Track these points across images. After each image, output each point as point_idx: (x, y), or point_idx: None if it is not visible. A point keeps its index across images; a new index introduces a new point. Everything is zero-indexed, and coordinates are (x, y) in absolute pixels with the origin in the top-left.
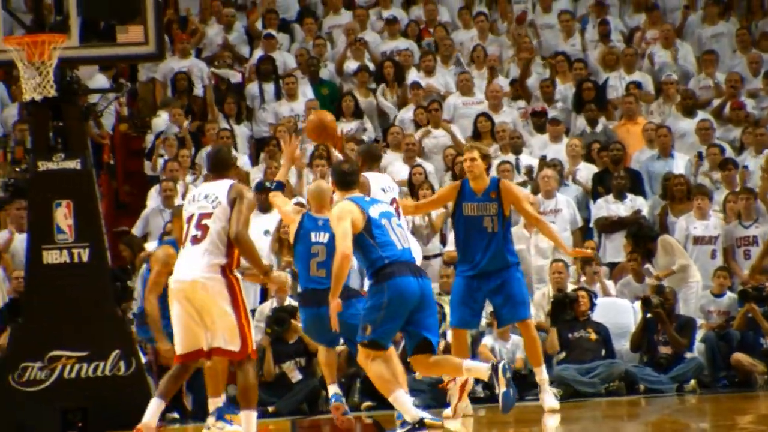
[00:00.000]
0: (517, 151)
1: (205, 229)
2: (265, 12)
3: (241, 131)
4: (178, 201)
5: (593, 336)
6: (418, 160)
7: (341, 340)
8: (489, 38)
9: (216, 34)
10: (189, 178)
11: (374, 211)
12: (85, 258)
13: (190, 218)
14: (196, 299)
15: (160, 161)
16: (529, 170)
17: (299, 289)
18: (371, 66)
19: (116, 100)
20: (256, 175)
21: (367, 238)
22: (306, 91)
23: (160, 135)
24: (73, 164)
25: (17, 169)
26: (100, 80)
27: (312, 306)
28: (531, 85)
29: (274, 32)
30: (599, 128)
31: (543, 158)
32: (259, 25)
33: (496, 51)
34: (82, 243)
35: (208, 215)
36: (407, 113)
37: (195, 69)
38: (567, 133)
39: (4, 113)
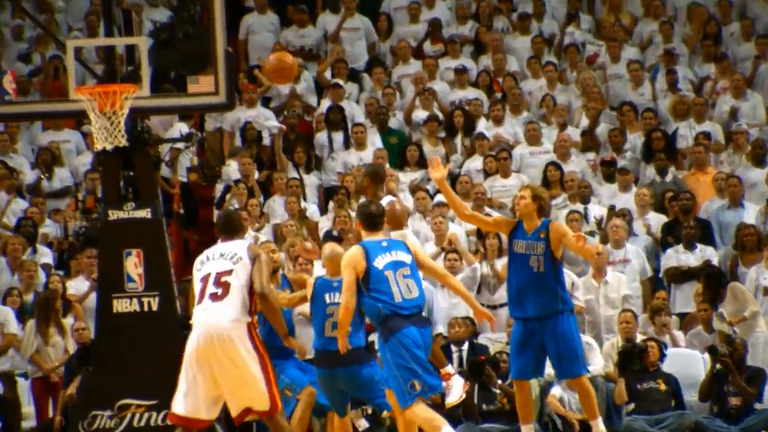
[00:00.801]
0: (586, 201)
1: (225, 286)
2: (335, 62)
3: (310, 180)
4: None
5: (663, 387)
6: (486, 209)
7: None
8: (558, 88)
9: (284, 85)
10: (257, 227)
11: (380, 261)
12: (154, 307)
13: (205, 277)
14: (220, 357)
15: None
16: (599, 220)
17: (314, 349)
18: (440, 115)
19: (186, 150)
20: (325, 224)
21: (363, 287)
22: (375, 141)
23: (230, 184)
24: (144, 213)
25: (88, 218)
26: (180, 128)
27: (326, 366)
28: (600, 134)
29: (342, 82)
30: (669, 178)
31: (612, 208)
32: (327, 74)
33: (564, 101)
34: (151, 292)
35: (228, 272)
36: (474, 162)
37: (262, 118)
38: (636, 183)
39: (75, 162)
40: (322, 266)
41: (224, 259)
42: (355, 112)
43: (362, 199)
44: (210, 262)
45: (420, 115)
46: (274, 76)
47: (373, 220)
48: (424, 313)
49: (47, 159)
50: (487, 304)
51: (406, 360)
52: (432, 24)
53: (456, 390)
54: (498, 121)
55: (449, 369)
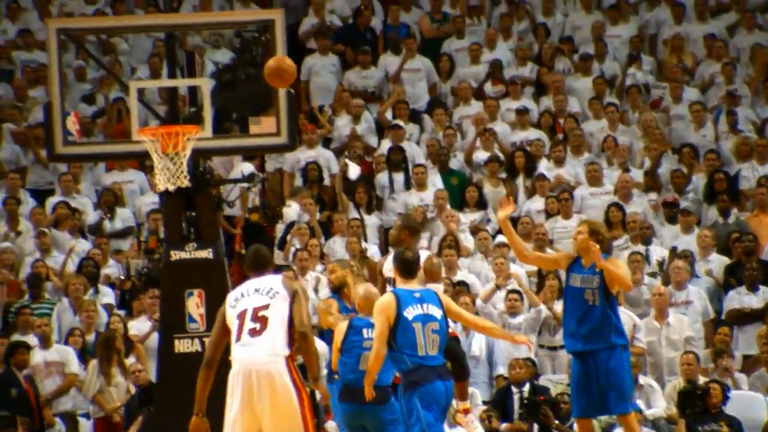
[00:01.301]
0: (648, 242)
1: (263, 320)
2: (396, 102)
3: (371, 221)
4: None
5: (725, 429)
6: (549, 250)
7: None
8: (619, 129)
9: (345, 125)
10: (319, 267)
11: (411, 311)
12: None
13: (242, 314)
14: (259, 392)
15: (291, 250)
16: (660, 262)
17: (343, 384)
18: (501, 156)
19: (248, 190)
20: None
21: (390, 337)
22: (435, 181)
23: (291, 225)
24: (205, 254)
25: (150, 259)
26: (243, 169)
27: (353, 402)
28: (662, 175)
29: (403, 122)
30: (731, 219)
31: (674, 249)
32: (388, 115)
33: (626, 141)
34: None
35: (265, 307)
36: (535, 203)
37: (322, 159)
38: (698, 224)
39: (138, 202)
40: (357, 306)
41: (260, 294)
42: (416, 152)
43: None
44: (245, 298)
45: (481, 155)
46: (272, 79)
47: (408, 267)
48: (484, 355)
49: (109, 200)
50: (548, 346)
51: (418, 418)
52: (493, 65)
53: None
54: (559, 161)
55: (467, 404)
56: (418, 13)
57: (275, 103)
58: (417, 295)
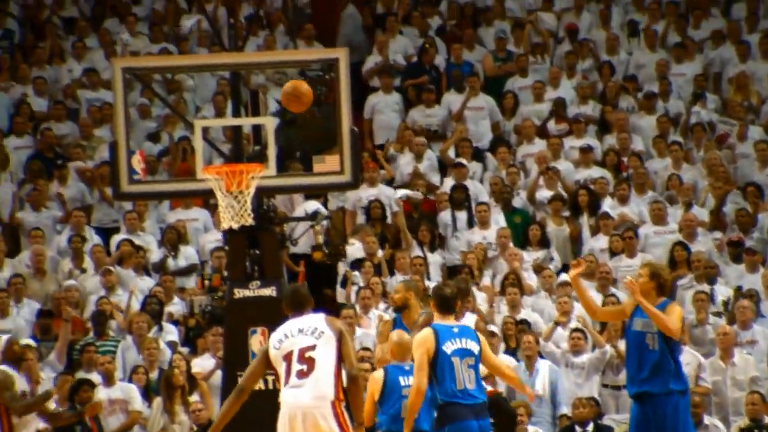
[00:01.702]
0: (713, 281)
1: (310, 361)
2: (459, 141)
3: (434, 259)
4: (360, 331)
5: None
6: (612, 289)
7: None
8: (683, 167)
9: (407, 163)
10: (381, 306)
11: (449, 346)
12: (279, 385)
13: (288, 355)
14: None
15: (353, 289)
16: (725, 301)
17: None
18: (564, 194)
19: (312, 228)
20: None
21: (429, 371)
22: (498, 219)
23: (355, 262)
24: (269, 292)
25: (214, 297)
26: (306, 207)
27: None
28: (727, 214)
29: (465, 161)
30: None
31: (739, 289)
32: (451, 153)
33: (690, 180)
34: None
35: (311, 347)
36: (599, 242)
37: (384, 197)
38: (764, 264)
39: (202, 240)
40: (390, 353)
41: (304, 335)
42: (479, 190)
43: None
44: (289, 339)
45: (544, 194)
46: (290, 103)
47: (447, 303)
48: (547, 394)
49: (173, 237)
50: (611, 385)
51: None
52: (556, 103)
53: None
54: (623, 200)
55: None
56: (481, 51)
57: (339, 142)
58: (455, 330)
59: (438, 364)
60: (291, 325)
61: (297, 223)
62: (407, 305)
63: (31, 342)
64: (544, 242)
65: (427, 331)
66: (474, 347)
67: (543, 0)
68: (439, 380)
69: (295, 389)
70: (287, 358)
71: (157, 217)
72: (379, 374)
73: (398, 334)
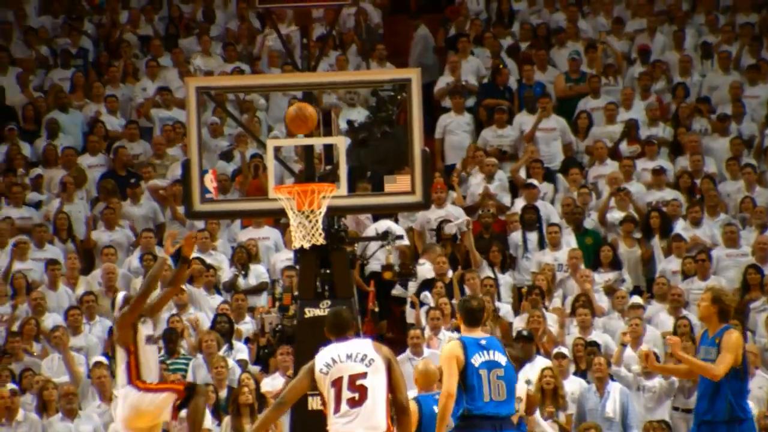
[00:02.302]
0: None
1: (362, 389)
2: (531, 162)
3: (505, 280)
4: (429, 351)
5: None
6: (684, 311)
7: None
8: (756, 190)
9: (477, 184)
10: (449, 326)
11: (477, 358)
12: None
13: (337, 381)
14: None
15: (423, 309)
16: None
17: None
18: (636, 216)
19: (384, 248)
20: (518, 324)
21: (459, 382)
22: (569, 241)
23: (425, 282)
24: None
25: (285, 315)
26: (377, 227)
27: None
28: None
29: (537, 182)
30: None
31: None
32: (522, 173)
33: (764, 203)
34: None
35: (362, 375)
36: (671, 264)
37: (453, 217)
38: None
39: (273, 259)
40: (414, 382)
41: (353, 361)
42: (550, 211)
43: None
44: (338, 365)
45: (615, 215)
46: (293, 125)
47: (473, 315)
48: (618, 417)
49: (243, 257)
50: (682, 408)
51: None
52: (628, 124)
53: None
54: (696, 222)
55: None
56: (553, 72)
57: (411, 162)
58: (483, 342)
59: (467, 375)
60: (338, 350)
61: (368, 243)
62: None
63: (103, 359)
64: (615, 264)
65: (455, 343)
66: (501, 359)
67: (613, 22)
68: (467, 392)
69: (346, 418)
70: (336, 384)
71: (228, 236)
72: (413, 405)
73: (425, 363)
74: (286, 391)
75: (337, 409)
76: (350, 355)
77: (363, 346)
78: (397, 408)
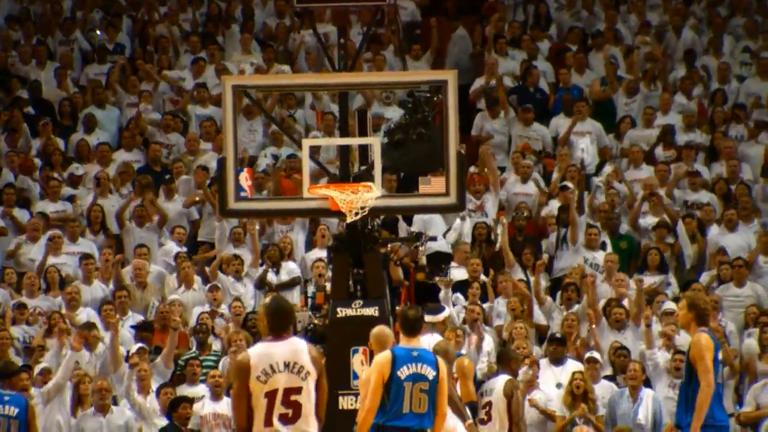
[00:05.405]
0: None
1: (296, 406)
2: (565, 166)
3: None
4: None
5: None
6: (719, 317)
7: None
8: None
9: (512, 185)
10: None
11: (404, 371)
12: None
13: (271, 394)
14: None
15: (455, 309)
16: None
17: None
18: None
19: (416, 249)
20: (553, 327)
21: (383, 393)
22: (605, 245)
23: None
24: (371, 311)
25: (317, 315)
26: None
27: None
28: None
29: (571, 184)
30: None
31: None
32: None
33: None
34: None
35: (297, 390)
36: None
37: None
38: None
39: (305, 260)
40: (369, 346)
41: (290, 373)
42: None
43: None
44: (276, 375)
45: (649, 221)
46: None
47: (410, 325)
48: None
49: (275, 254)
50: None
51: None
52: (665, 129)
53: None
54: (731, 228)
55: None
56: (590, 75)
57: (445, 164)
58: (415, 354)
59: (390, 387)
60: (276, 356)
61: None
62: None
63: (144, 346)
64: (662, 267)
65: (386, 355)
66: (429, 373)
67: (642, 25)
68: (389, 402)
69: None
70: (270, 396)
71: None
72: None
73: (380, 328)
74: (239, 420)
75: (268, 423)
76: (288, 365)
77: (300, 354)
78: (321, 421)
